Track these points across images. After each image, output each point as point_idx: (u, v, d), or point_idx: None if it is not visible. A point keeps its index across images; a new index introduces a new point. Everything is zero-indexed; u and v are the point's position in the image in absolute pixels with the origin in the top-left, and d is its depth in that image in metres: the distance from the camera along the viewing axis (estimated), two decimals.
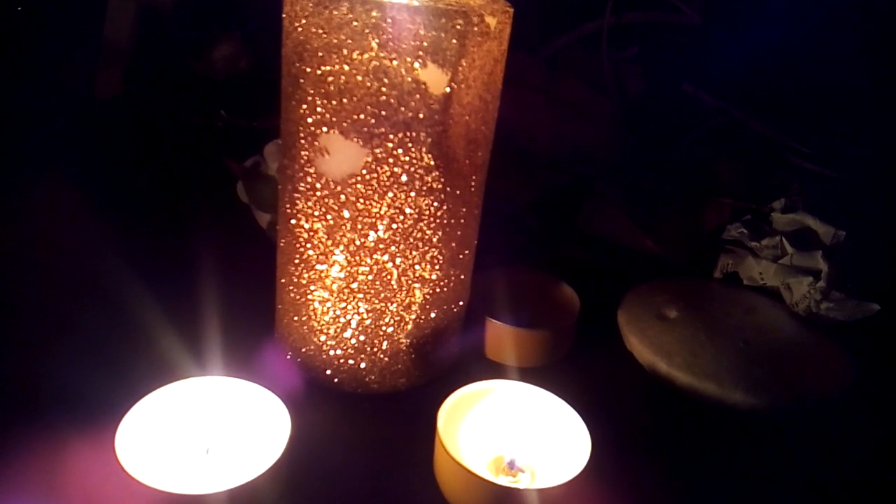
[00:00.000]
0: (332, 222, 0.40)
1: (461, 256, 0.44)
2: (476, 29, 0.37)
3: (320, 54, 0.37)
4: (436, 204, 0.40)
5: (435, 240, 0.42)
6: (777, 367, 0.47)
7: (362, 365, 0.44)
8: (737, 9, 0.80)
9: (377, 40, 0.35)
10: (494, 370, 0.48)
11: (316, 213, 0.41)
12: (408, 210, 0.40)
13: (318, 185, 0.40)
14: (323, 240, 0.41)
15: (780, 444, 0.46)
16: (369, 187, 0.39)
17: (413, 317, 0.43)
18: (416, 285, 0.43)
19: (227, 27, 0.81)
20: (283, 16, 0.38)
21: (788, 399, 0.46)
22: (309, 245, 0.42)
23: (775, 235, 0.56)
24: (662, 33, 0.82)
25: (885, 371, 0.53)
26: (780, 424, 0.47)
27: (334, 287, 0.42)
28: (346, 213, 0.40)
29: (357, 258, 0.41)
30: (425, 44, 0.36)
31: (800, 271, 0.53)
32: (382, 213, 0.40)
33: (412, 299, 0.43)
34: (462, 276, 0.45)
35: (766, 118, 0.76)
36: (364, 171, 0.39)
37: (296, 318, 0.44)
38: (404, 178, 0.39)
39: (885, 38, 0.71)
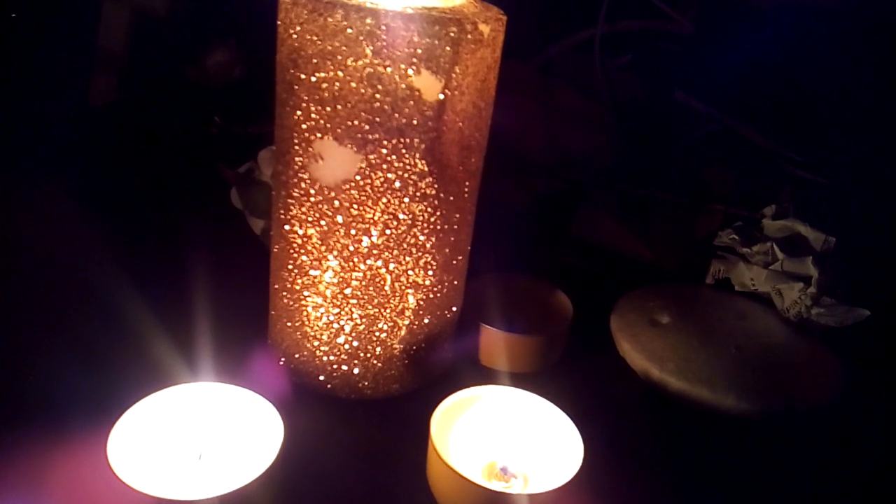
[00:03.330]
0: (325, 228, 0.40)
1: (455, 262, 0.44)
2: (470, 36, 0.37)
3: (315, 61, 0.37)
4: (429, 210, 0.41)
5: (428, 245, 0.42)
6: (769, 372, 0.48)
7: (356, 370, 0.44)
8: (729, 18, 0.80)
9: (371, 47, 0.36)
10: (487, 376, 0.48)
11: (310, 219, 0.41)
12: (401, 216, 0.40)
13: (312, 191, 0.40)
14: (317, 245, 0.41)
15: (771, 449, 0.46)
16: (363, 193, 0.39)
17: (406, 322, 0.44)
18: (410, 291, 0.43)
19: (222, 34, 0.82)
20: (278, 23, 0.39)
21: (780, 404, 0.46)
22: (303, 251, 0.42)
23: (766, 241, 0.56)
24: (655, 41, 0.82)
25: (875, 376, 0.54)
26: (771, 429, 0.47)
27: (328, 293, 0.42)
28: (339, 219, 0.40)
29: (351, 264, 0.41)
30: (419, 51, 0.36)
31: (791, 277, 0.54)
32: (376, 218, 0.40)
33: (406, 305, 0.43)
34: (455, 282, 0.46)
35: (758, 126, 0.77)
36: (358, 177, 0.39)
37: (289, 324, 0.44)
38: (398, 183, 0.39)
39: (877, 45, 0.72)
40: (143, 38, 0.77)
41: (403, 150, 0.38)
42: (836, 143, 0.74)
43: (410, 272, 0.42)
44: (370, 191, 0.39)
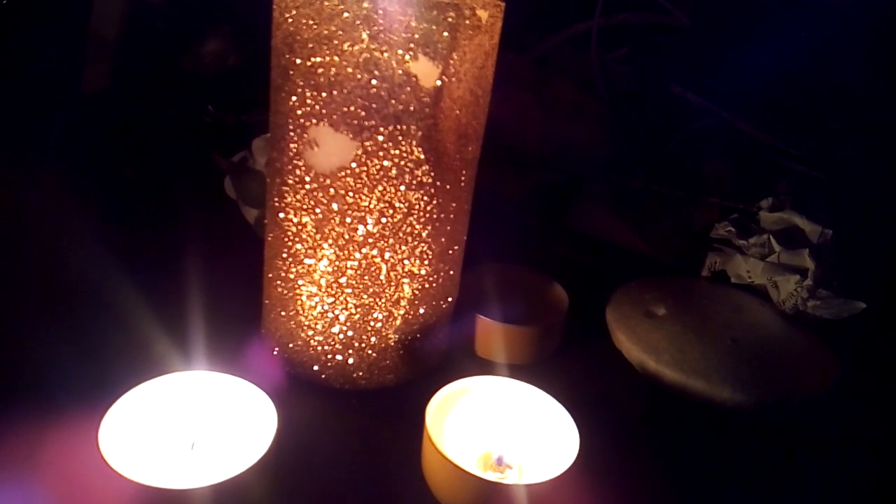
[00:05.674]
0: (320, 216, 0.40)
1: (450, 252, 0.44)
2: (467, 22, 0.37)
3: (310, 45, 0.36)
4: (426, 198, 0.40)
5: (424, 234, 0.41)
6: (764, 364, 0.48)
7: (350, 360, 0.44)
8: (726, 11, 0.80)
9: (368, 32, 0.35)
10: (483, 366, 0.48)
11: (304, 207, 0.40)
12: (397, 204, 0.40)
13: (307, 179, 0.39)
14: (311, 234, 0.41)
15: (766, 441, 0.46)
16: (359, 181, 0.39)
17: (402, 312, 0.43)
18: (405, 280, 0.42)
19: (216, 23, 0.81)
20: (273, 7, 0.38)
21: (775, 396, 0.46)
22: (297, 239, 0.41)
23: (763, 234, 0.56)
24: (652, 35, 0.82)
25: (870, 369, 0.54)
26: (766, 421, 0.47)
27: (322, 282, 0.42)
28: (334, 207, 0.39)
29: (346, 252, 0.41)
30: (416, 36, 0.36)
31: (787, 269, 0.54)
32: (372, 206, 0.39)
33: (401, 294, 0.43)
34: (451, 272, 0.45)
35: (754, 119, 0.76)
36: (353, 165, 0.38)
37: (283, 313, 0.44)
38: (394, 171, 0.39)
39: (873, 40, 0.72)
40: (137, 26, 0.77)
41: (400, 138, 0.38)
42: (833, 136, 0.74)
43: (406, 261, 0.42)
44: (366, 178, 0.39)
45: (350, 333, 0.43)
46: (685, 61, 0.80)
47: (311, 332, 0.43)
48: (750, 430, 0.46)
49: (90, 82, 0.75)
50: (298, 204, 0.40)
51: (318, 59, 0.36)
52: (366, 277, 0.41)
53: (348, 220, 0.40)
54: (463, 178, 0.42)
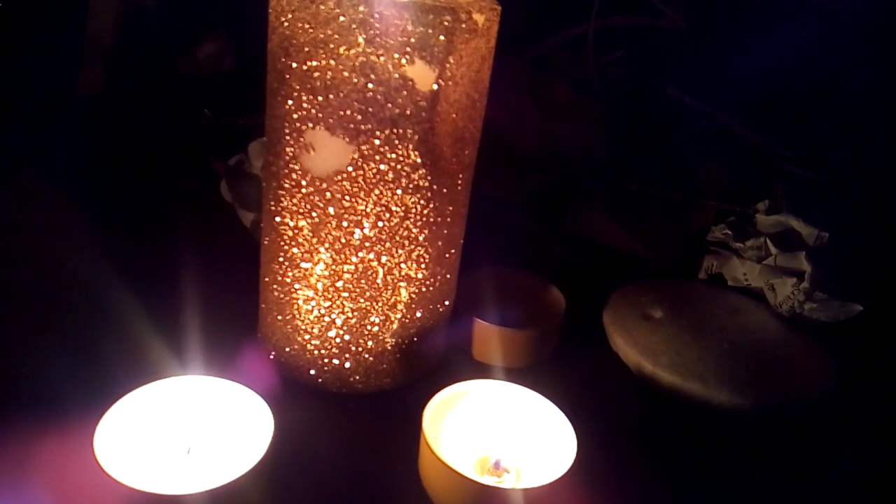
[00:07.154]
0: (317, 220, 0.40)
1: (447, 255, 0.44)
2: (464, 26, 0.36)
3: (307, 49, 0.36)
4: (422, 202, 0.40)
5: (421, 238, 0.41)
6: (761, 367, 0.48)
7: (347, 364, 0.44)
8: (721, 14, 0.80)
9: (364, 36, 0.35)
10: (480, 370, 0.48)
11: (301, 211, 0.40)
12: (394, 208, 0.40)
13: (304, 183, 0.39)
14: (308, 237, 0.41)
15: (764, 444, 0.46)
16: (355, 184, 0.39)
17: (398, 316, 0.43)
18: (402, 284, 0.42)
19: (212, 26, 0.81)
20: (270, 10, 0.38)
21: (772, 399, 0.46)
22: (293, 243, 0.41)
23: (759, 237, 0.56)
24: (648, 37, 0.82)
25: (867, 371, 0.54)
26: (764, 424, 0.47)
27: (319, 286, 0.42)
28: (331, 211, 0.39)
29: (342, 256, 0.41)
30: (413, 40, 0.35)
31: (784, 272, 0.54)
32: (368, 210, 0.39)
33: (398, 298, 0.43)
34: (448, 276, 0.45)
35: (750, 122, 0.77)
36: (350, 168, 0.38)
37: (279, 317, 0.44)
38: (391, 175, 0.39)
39: (869, 42, 0.72)
40: (133, 28, 0.76)
41: (396, 141, 0.38)
42: (829, 138, 0.74)
43: (403, 265, 0.42)
44: (362, 182, 0.39)
45: (347, 337, 0.43)
46: (681, 64, 0.80)
47: (307, 337, 0.43)
48: (747, 433, 0.46)
49: (86, 85, 0.75)
50: (295, 208, 0.40)
51: (315, 63, 0.36)
52: (362, 281, 0.41)
53: (345, 223, 0.40)
54: (460, 182, 0.42)
